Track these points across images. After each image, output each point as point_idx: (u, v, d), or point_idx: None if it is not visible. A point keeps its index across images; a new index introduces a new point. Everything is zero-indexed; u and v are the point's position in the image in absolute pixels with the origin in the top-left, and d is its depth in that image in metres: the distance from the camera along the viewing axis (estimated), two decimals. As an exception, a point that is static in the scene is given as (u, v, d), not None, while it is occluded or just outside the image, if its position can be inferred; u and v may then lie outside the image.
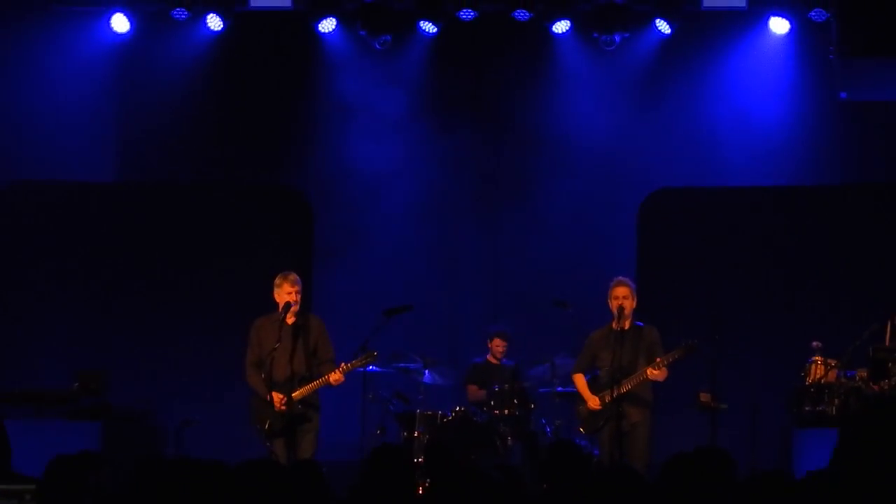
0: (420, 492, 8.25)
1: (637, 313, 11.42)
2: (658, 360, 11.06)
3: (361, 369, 11.40)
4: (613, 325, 11.35)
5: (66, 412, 11.44)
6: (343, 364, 10.81)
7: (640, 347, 11.29)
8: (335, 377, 10.78)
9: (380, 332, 11.40)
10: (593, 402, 11.29)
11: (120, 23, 13.73)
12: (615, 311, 11.34)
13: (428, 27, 13.89)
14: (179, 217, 13.98)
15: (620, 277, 11.58)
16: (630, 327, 11.34)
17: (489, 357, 12.79)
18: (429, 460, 6.56)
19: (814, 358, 11.51)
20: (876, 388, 11.15)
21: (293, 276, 11.07)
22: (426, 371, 12.37)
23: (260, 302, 11.32)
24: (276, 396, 10.77)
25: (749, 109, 14.08)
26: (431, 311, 13.58)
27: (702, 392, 11.47)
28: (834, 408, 11.16)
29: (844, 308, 12.46)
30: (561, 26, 13.80)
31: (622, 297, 11.31)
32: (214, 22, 13.68)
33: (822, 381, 11.33)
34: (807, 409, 11.25)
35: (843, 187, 13.85)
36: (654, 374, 11.09)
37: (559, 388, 12.16)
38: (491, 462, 10.91)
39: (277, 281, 11.04)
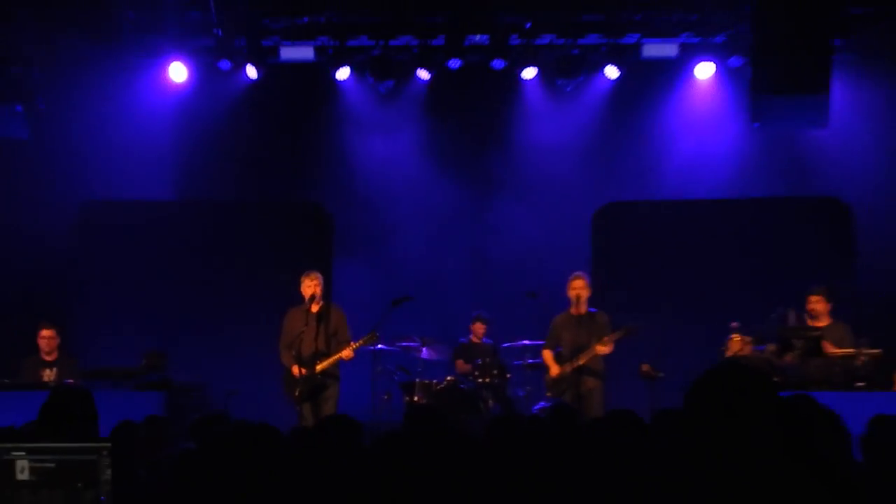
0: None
1: (591, 301, 11.60)
2: (605, 338, 11.23)
3: (372, 347, 11.60)
4: (572, 310, 11.53)
5: (136, 385, 11.50)
6: (352, 343, 11.01)
7: (593, 329, 11.47)
8: (346, 353, 11.05)
9: (387, 318, 11.57)
10: (555, 370, 11.47)
11: (178, 71, 13.71)
12: (573, 299, 11.53)
13: (423, 74, 13.94)
14: (225, 228, 13.99)
15: (577, 272, 11.75)
16: (586, 313, 11.50)
17: (472, 337, 12.88)
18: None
19: (732, 335, 11.58)
20: (784, 359, 11.12)
21: (314, 274, 11.27)
22: (424, 348, 12.43)
23: (289, 296, 11.53)
24: (298, 369, 11.01)
25: (681, 137, 14.10)
26: (428, 301, 13.49)
27: (643, 363, 11.61)
28: (749, 375, 11.23)
29: (757, 296, 12.38)
30: (529, 73, 13.85)
31: (579, 288, 11.51)
32: (252, 71, 13.68)
33: (740, 353, 11.36)
34: (727, 376, 11.29)
35: (756, 200, 13.86)
36: (602, 349, 11.30)
37: (529, 361, 12.23)
38: (476, 421, 10.98)
39: (302, 278, 11.23)
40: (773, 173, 13.86)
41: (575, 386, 11.36)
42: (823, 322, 11.40)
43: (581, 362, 11.35)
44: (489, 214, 14.34)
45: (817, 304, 11.39)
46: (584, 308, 11.50)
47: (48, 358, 11.69)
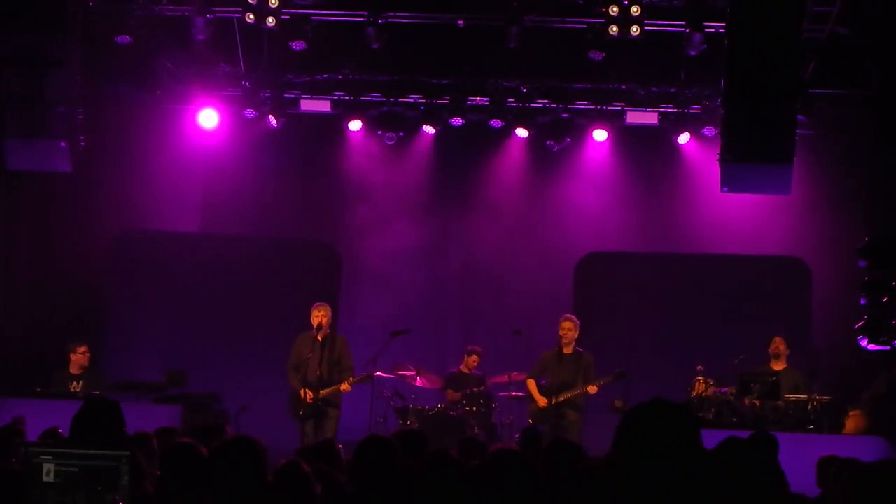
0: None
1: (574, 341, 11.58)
2: (599, 380, 11.21)
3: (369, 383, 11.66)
4: (559, 349, 11.50)
5: (156, 399, 11.47)
6: (349, 378, 11.05)
7: (578, 367, 11.46)
8: (344, 387, 11.14)
9: (386, 348, 11.60)
10: (542, 402, 11.43)
11: (207, 117, 13.75)
12: (561, 338, 11.50)
13: (428, 129, 14.01)
14: (244, 260, 13.90)
15: (567, 314, 11.76)
16: (572, 352, 11.49)
17: (462, 367, 12.78)
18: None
19: (697, 377, 11.57)
20: (744, 401, 11.11)
21: (323, 304, 11.29)
22: (418, 377, 12.38)
23: (299, 323, 11.51)
24: (305, 393, 10.97)
25: (659, 196, 14.20)
26: (424, 334, 13.59)
27: (616, 399, 11.57)
28: (710, 414, 11.22)
29: (721, 342, 12.36)
30: (522, 132, 13.87)
31: (567, 329, 11.51)
32: (273, 120, 13.73)
33: (703, 394, 11.32)
34: (691, 415, 11.26)
35: (726, 256, 13.85)
36: (592, 390, 11.26)
37: (514, 393, 12.18)
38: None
39: (311, 309, 11.24)
40: (741, 233, 13.90)
41: (556, 418, 11.34)
42: (781, 364, 11.45)
43: (564, 398, 11.34)
44: (483, 258, 14.39)
45: (780, 345, 11.52)
46: (570, 347, 11.50)
47: (76, 371, 11.65)
